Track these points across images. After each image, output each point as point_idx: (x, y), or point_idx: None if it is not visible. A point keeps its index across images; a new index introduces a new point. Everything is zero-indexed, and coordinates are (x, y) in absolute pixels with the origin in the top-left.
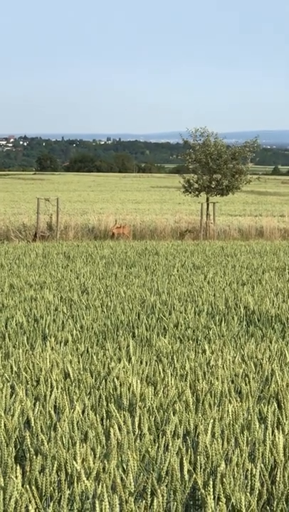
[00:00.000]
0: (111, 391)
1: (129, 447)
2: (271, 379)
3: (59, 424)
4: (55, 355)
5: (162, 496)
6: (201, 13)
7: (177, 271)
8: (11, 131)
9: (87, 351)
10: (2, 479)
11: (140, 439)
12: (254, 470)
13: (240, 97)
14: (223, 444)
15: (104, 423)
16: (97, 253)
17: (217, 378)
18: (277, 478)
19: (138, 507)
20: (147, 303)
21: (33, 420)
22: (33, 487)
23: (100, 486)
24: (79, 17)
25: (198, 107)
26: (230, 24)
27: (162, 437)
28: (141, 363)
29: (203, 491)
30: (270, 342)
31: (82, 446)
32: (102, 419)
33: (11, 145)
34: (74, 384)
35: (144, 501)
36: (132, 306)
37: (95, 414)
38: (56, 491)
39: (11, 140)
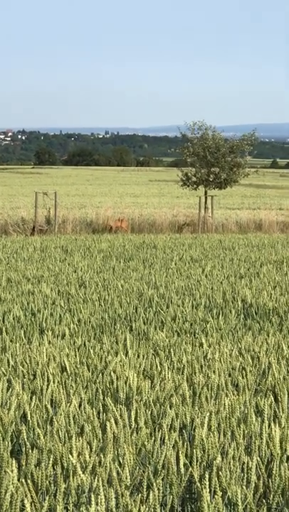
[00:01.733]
0: (108, 385)
1: (126, 441)
2: (268, 372)
3: (55, 418)
4: (52, 349)
5: (158, 489)
6: (195, 5)
7: (175, 264)
8: (9, 125)
9: (84, 345)
10: None
11: (136, 433)
12: (250, 463)
13: (238, 91)
14: (219, 438)
15: (100, 417)
16: (95, 247)
17: (214, 371)
18: (274, 472)
19: (134, 500)
20: (145, 296)
21: (29, 414)
22: (29, 481)
23: (96, 480)
24: (77, 13)
25: (197, 100)
26: (228, 15)
27: (159, 431)
28: (138, 356)
29: (199, 485)
30: (268, 335)
31: (79, 440)
32: (98, 413)
33: (9, 139)
34: (71, 378)
35: (140, 495)
36: (129, 299)
37: (92, 408)
38: (52, 484)
39: (9, 134)
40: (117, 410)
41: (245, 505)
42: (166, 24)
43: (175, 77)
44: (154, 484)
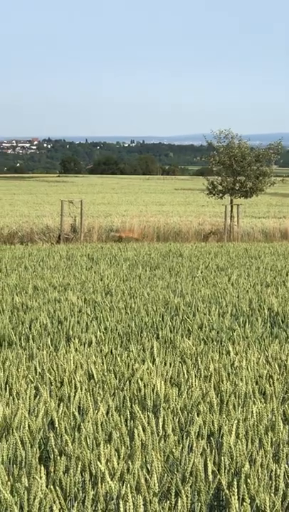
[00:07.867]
0: (135, 392)
1: (154, 448)
2: None
3: (83, 425)
4: (79, 356)
5: (186, 496)
6: (218, 12)
7: (201, 273)
8: (35, 133)
9: (111, 353)
10: (26, 480)
11: (164, 440)
12: (278, 471)
13: (264, 99)
14: (247, 445)
15: (128, 424)
16: (120, 255)
17: (241, 379)
18: None
19: (162, 507)
20: (171, 304)
21: (57, 421)
22: (58, 487)
23: (124, 487)
24: (99, 19)
25: (222, 108)
26: (251, 23)
27: (186, 438)
28: (165, 364)
29: (227, 492)
30: None
31: (107, 447)
32: (126, 420)
33: (34, 147)
34: (98, 385)
35: (168, 502)
36: (155, 307)
37: (119, 415)
38: (80, 491)
39: (35, 142)
40: (144, 418)
41: None
42: (189, 32)
43: (200, 85)
44: (183, 491)
